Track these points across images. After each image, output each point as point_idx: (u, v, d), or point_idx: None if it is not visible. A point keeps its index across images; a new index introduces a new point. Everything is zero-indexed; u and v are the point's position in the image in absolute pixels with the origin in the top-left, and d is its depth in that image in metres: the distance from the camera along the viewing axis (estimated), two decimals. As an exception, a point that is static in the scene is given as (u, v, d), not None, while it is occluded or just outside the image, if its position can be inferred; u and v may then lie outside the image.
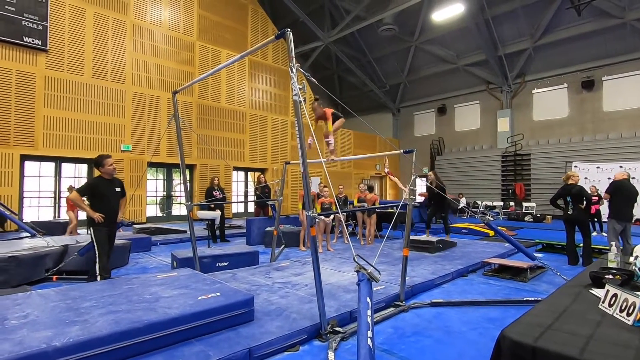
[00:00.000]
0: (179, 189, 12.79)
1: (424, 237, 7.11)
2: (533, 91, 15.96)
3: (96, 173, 4.13)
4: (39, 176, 9.82)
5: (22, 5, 9.03)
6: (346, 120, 20.82)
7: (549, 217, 12.88)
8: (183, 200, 12.65)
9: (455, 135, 18.62)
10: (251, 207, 14.03)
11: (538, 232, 9.91)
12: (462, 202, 14.14)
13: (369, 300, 2.20)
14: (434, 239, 6.70)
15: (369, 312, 2.11)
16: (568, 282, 2.46)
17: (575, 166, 12.70)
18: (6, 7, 8.80)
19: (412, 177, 3.90)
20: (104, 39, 10.53)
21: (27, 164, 9.51)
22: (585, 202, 5.66)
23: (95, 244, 3.96)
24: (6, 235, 8.36)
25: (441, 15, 13.87)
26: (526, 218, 13.32)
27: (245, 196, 14.60)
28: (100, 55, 10.46)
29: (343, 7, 15.95)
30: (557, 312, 1.75)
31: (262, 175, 9.92)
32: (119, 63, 10.83)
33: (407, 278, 3.95)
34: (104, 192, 4.04)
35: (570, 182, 5.81)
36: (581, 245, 5.70)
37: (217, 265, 5.10)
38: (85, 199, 4.00)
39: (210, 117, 12.99)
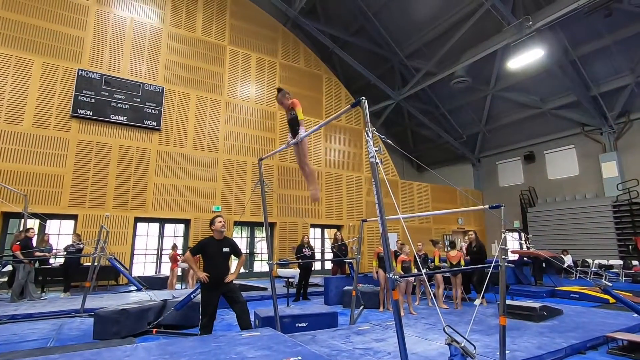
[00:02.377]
0: (260, 246, 13.45)
1: (516, 302, 6.21)
2: (643, 130, 13.93)
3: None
4: (147, 235, 11.28)
5: (145, 96, 11.24)
6: (422, 173, 20.32)
7: (692, 280, 10.34)
8: (264, 257, 13.22)
9: (548, 184, 16.76)
10: (328, 265, 13.98)
11: (679, 299, 7.94)
12: (568, 260, 12.21)
13: (464, 378, 1.96)
14: (536, 304, 5.81)
15: (465, 394, 1.87)
16: None
17: None
18: (134, 99, 11.04)
19: (503, 235, 3.57)
20: (202, 116, 12.36)
21: (139, 225, 11.06)
22: None
23: (201, 301, 4.19)
24: (118, 288, 9.57)
25: (518, 63, 13.41)
26: (659, 281, 10.86)
27: (322, 254, 14.68)
28: (199, 129, 12.21)
29: (413, 66, 16.49)
30: None
31: (338, 233, 9.98)
32: (214, 135, 12.47)
33: (507, 352, 3.43)
34: (209, 252, 4.19)
35: None
36: None
37: (296, 325, 5.07)
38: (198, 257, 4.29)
39: (289, 178, 13.86)
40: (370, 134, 2.87)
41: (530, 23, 11.29)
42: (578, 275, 9.96)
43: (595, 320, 5.54)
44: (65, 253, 8.32)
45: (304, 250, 8.11)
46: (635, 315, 5.62)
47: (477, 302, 6.94)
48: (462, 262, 7.06)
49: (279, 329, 4.42)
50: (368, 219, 6.27)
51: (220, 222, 4.27)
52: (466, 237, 8.11)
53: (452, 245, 7.42)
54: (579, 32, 12.85)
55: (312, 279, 11.21)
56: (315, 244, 14.69)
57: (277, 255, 12.60)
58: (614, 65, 13.40)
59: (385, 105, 17.25)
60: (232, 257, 4.47)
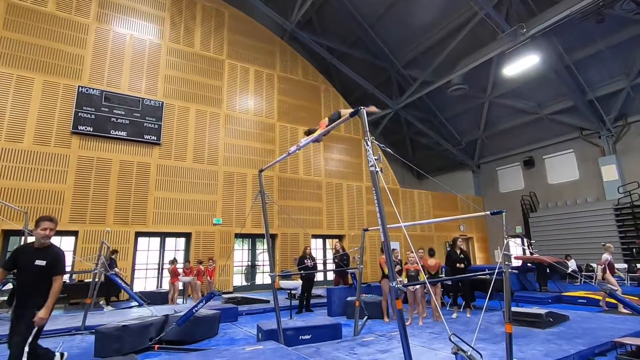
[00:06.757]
0: (261, 258, 13.38)
1: (525, 309, 6.15)
2: (641, 133, 13.98)
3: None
4: (148, 250, 11.22)
5: (145, 111, 11.32)
6: (422, 181, 20.25)
7: (698, 282, 10.23)
8: (266, 269, 13.13)
9: (549, 188, 16.74)
10: (330, 275, 13.88)
11: (686, 302, 7.84)
12: (571, 264, 12.12)
13: (471, 388, 1.93)
14: (542, 311, 5.75)
15: (473, 404, 1.84)
16: None
17: None
18: (134, 114, 11.13)
19: (505, 241, 3.55)
20: (202, 130, 12.43)
21: (140, 239, 11.01)
22: None
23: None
24: (119, 304, 9.47)
25: (514, 69, 13.53)
26: (664, 284, 10.75)
27: (324, 264, 14.58)
28: (199, 143, 12.27)
29: (410, 75, 16.65)
30: None
31: (338, 243, 9.93)
32: (214, 148, 12.52)
33: (514, 360, 3.38)
34: (20, 262, 3.22)
35: None
36: None
37: (300, 338, 5.01)
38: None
39: (289, 189, 13.87)
40: (369, 143, 2.88)
41: (524, 30, 11.44)
42: (583, 280, 9.86)
43: (602, 326, 5.47)
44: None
45: (305, 261, 8.09)
46: (643, 319, 5.55)
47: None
48: (440, 271, 6.96)
49: (282, 342, 4.37)
50: (370, 228, 6.25)
51: (45, 228, 3.10)
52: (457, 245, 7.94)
53: (431, 253, 7.03)
54: (573, 37, 13.00)
55: (315, 290, 11.11)
56: (317, 254, 14.61)
57: (279, 267, 12.51)
58: (608, 70, 13.53)
59: (384, 114, 17.35)
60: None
